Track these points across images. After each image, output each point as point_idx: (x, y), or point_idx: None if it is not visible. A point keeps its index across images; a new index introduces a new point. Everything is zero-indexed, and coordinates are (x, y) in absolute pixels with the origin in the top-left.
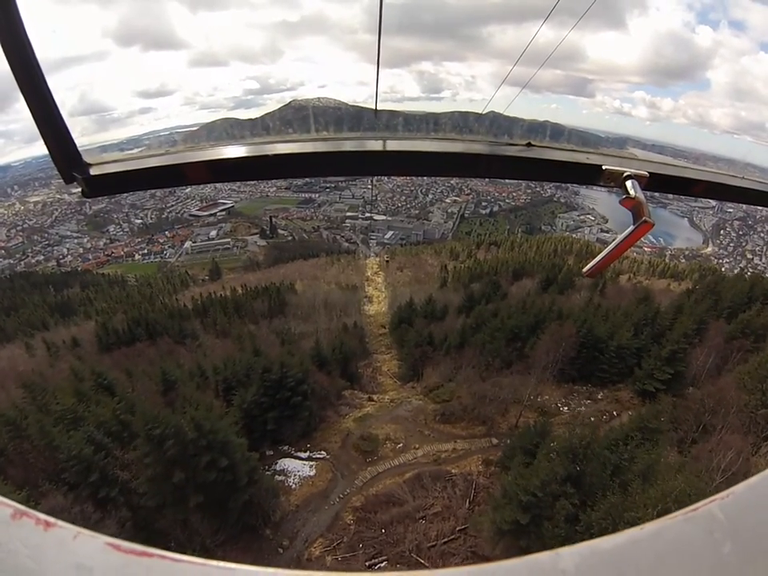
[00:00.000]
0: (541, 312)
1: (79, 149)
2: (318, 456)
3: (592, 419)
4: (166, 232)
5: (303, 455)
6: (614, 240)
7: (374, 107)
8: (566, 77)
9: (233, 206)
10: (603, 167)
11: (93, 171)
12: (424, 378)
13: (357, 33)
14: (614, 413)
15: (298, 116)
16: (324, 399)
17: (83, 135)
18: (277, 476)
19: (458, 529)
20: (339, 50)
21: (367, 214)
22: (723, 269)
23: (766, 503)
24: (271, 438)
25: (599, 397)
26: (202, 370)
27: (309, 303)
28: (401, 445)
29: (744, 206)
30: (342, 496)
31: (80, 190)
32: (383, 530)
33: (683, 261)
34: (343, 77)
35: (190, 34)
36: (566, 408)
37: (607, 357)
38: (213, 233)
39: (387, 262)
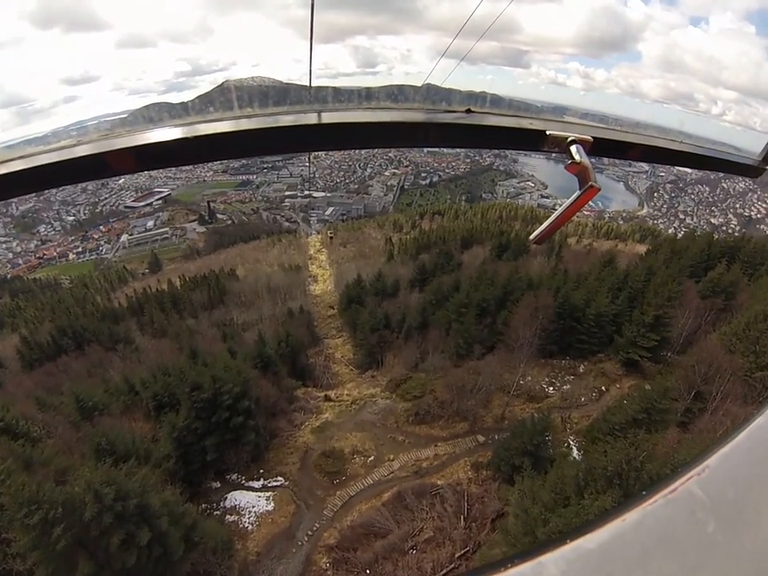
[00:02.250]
0: (509, 282)
1: None
2: (275, 483)
3: (582, 399)
4: (101, 227)
5: (257, 484)
6: (557, 205)
7: (309, 83)
8: (502, 48)
9: (169, 194)
10: (547, 132)
11: (0, 170)
12: (385, 365)
13: (289, 8)
14: (603, 388)
15: (231, 96)
16: (273, 407)
17: (3, 130)
18: (228, 515)
19: (457, 555)
20: (271, 26)
21: (306, 192)
22: (660, 228)
23: (742, 474)
24: (215, 468)
25: (581, 370)
26: (131, 384)
27: (251, 289)
28: (372, 458)
29: (675, 169)
30: (310, 533)
31: None
32: (368, 571)
33: (621, 222)
34: (277, 55)
35: (114, 13)
36: (551, 389)
37: (585, 326)
38: (150, 223)
39: (331, 238)
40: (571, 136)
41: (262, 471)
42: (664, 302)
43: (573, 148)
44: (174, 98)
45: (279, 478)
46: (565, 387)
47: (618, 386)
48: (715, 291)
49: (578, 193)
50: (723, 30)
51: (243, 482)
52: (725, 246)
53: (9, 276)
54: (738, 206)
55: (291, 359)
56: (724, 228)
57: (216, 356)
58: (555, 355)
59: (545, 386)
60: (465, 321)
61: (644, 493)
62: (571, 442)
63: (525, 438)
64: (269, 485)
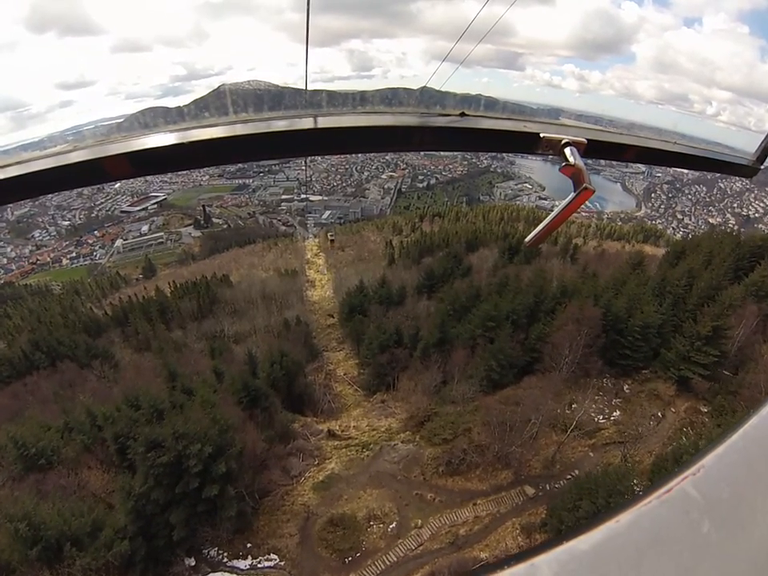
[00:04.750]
0: (542, 291)
1: None
2: (267, 564)
3: (639, 429)
4: (96, 231)
5: (243, 564)
6: (555, 207)
7: (305, 87)
8: (497, 51)
9: (165, 199)
10: (541, 135)
11: None
12: (398, 389)
13: (284, 12)
14: (659, 413)
15: (227, 101)
16: (263, 455)
17: None
18: None
19: None
20: (266, 30)
21: (303, 196)
22: (659, 228)
23: (737, 474)
24: (187, 545)
25: (626, 390)
26: (94, 417)
27: (244, 296)
28: (393, 524)
29: (672, 170)
30: None
31: None
32: None
33: (620, 223)
34: (272, 58)
35: (109, 17)
36: (601, 417)
37: (629, 339)
38: (144, 228)
39: (332, 240)
40: (565, 138)
41: (249, 545)
42: (723, 311)
43: (567, 150)
44: (170, 102)
45: (273, 557)
46: (615, 414)
47: (672, 409)
48: (759, 295)
49: (572, 195)
50: (717, 30)
51: (225, 559)
52: (753, 246)
53: (1, 281)
54: (735, 205)
55: (287, 383)
56: (723, 228)
57: (199, 374)
58: (594, 374)
59: (593, 415)
60: (499, 338)
61: (639, 493)
62: (636, 488)
63: (598, 496)
64: (259, 565)
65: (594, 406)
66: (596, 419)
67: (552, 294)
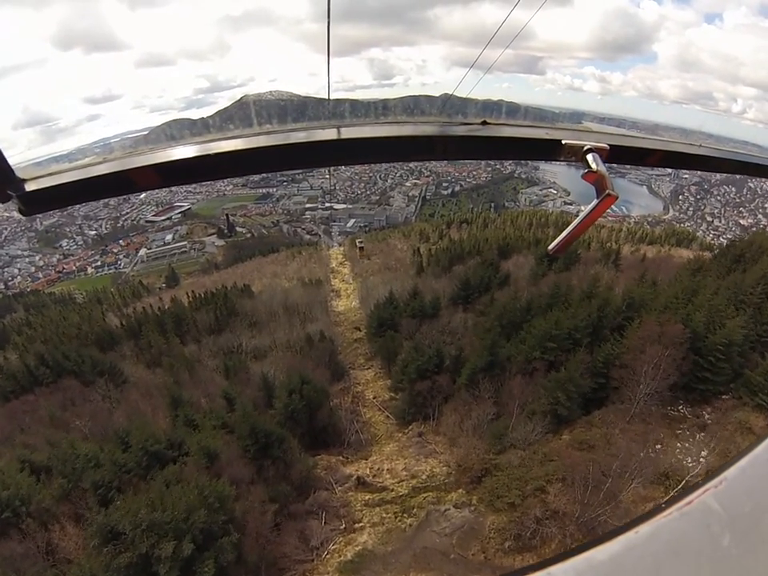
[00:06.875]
0: (606, 303)
1: (13, 165)
2: None
3: None
4: (120, 240)
5: None
6: (581, 212)
7: (327, 97)
8: (516, 56)
9: (189, 208)
10: (563, 142)
11: (29, 187)
12: (438, 421)
13: (303, 23)
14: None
15: (250, 111)
16: (277, 522)
17: (30, 148)
18: None
19: None
20: (286, 41)
21: (327, 204)
22: (691, 231)
23: (759, 486)
24: None
25: (708, 420)
26: (77, 455)
27: (266, 307)
28: None
29: (698, 171)
30: None
31: (17, 208)
32: None
33: (647, 227)
34: (293, 69)
35: (132, 33)
36: (689, 460)
37: (710, 359)
38: (168, 237)
39: (361, 248)
40: (587, 145)
41: None
42: None
43: (589, 157)
44: (194, 114)
45: None
46: (703, 454)
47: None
48: None
49: (595, 202)
50: (738, 25)
51: None
52: None
53: (27, 289)
54: (767, 205)
55: (307, 414)
56: (754, 229)
57: (209, 397)
58: (668, 401)
59: (680, 457)
60: (568, 363)
61: (662, 505)
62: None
63: None
64: None
65: (679, 444)
66: (684, 462)
67: (616, 307)
